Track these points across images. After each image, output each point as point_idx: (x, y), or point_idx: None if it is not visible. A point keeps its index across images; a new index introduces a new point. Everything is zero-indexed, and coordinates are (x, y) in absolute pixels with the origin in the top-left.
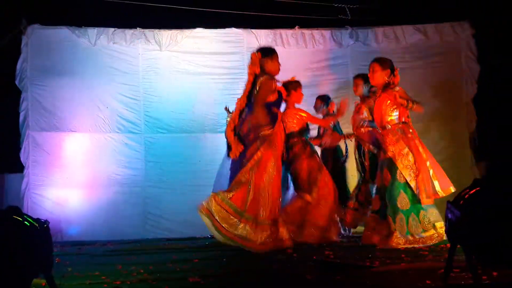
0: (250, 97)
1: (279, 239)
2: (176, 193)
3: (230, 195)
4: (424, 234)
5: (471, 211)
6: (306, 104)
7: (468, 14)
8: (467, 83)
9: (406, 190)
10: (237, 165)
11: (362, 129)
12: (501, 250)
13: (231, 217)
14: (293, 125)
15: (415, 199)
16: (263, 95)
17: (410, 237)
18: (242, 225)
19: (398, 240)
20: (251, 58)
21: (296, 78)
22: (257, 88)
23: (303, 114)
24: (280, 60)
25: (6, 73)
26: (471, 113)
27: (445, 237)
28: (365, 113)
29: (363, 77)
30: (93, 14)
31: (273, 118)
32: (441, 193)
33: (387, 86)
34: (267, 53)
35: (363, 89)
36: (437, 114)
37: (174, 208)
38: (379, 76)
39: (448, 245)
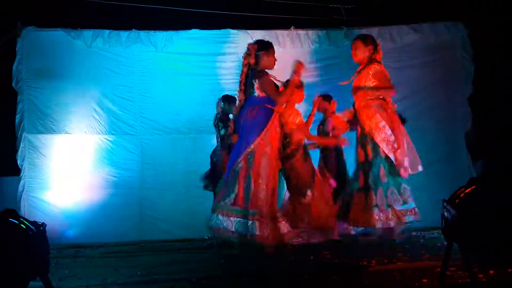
0: (246, 90)
1: (280, 233)
2: (172, 194)
3: (231, 200)
4: (404, 207)
5: (467, 209)
6: (304, 104)
7: (463, 14)
8: (462, 82)
9: (384, 164)
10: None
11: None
12: (497, 248)
13: (240, 219)
14: (292, 125)
15: (394, 172)
16: (271, 93)
17: (390, 211)
18: (250, 222)
19: (378, 216)
20: (248, 48)
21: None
22: (260, 89)
23: (298, 119)
24: (276, 60)
25: (3, 75)
26: (467, 112)
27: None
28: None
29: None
30: (88, 16)
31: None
32: (410, 171)
33: (370, 62)
34: (264, 46)
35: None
36: (432, 113)
37: (170, 209)
38: (361, 52)
39: (445, 243)
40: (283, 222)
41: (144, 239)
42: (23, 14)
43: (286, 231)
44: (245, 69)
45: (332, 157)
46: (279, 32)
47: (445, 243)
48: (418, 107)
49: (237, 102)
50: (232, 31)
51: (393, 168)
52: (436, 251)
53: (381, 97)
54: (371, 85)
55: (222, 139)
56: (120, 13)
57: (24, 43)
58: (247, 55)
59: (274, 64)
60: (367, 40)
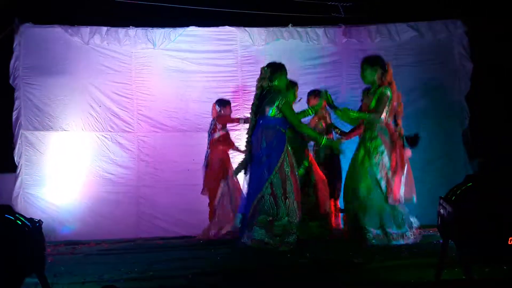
0: (257, 112)
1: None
2: (169, 192)
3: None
4: (398, 231)
5: (463, 207)
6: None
7: (461, 11)
8: (460, 80)
9: (376, 187)
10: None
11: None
12: (493, 245)
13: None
14: None
15: (383, 197)
16: (291, 117)
17: (381, 232)
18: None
19: (370, 236)
20: (261, 72)
21: (289, 76)
22: (280, 110)
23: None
24: (275, 57)
25: (0, 73)
26: (464, 110)
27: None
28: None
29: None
30: (86, 13)
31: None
32: (403, 200)
33: (379, 85)
34: (276, 69)
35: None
36: (430, 111)
37: (167, 207)
38: (369, 75)
39: (441, 241)
40: None
41: (141, 236)
42: (21, 11)
43: None
44: (258, 92)
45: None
46: (277, 30)
47: (441, 240)
48: (416, 105)
49: (249, 122)
50: (230, 28)
51: (381, 193)
52: (432, 248)
53: (383, 121)
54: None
55: (212, 144)
56: (118, 10)
57: (21, 39)
58: (261, 78)
59: (287, 85)
60: (374, 61)
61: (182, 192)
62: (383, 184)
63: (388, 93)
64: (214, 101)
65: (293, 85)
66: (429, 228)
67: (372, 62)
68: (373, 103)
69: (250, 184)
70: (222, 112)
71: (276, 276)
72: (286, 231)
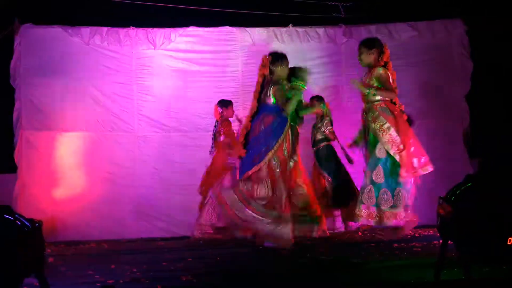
0: (259, 99)
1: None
2: (169, 192)
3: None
4: (392, 210)
5: (463, 206)
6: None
7: (461, 11)
8: (460, 80)
9: (383, 164)
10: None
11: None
12: (492, 245)
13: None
14: None
15: (393, 174)
16: (281, 101)
17: (376, 210)
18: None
19: (360, 212)
20: (262, 60)
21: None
22: (273, 96)
23: None
24: None
25: (0, 73)
26: (464, 110)
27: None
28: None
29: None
30: (86, 13)
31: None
32: (420, 171)
33: (375, 65)
34: (277, 58)
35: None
36: (430, 111)
37: (168, 207)
38: (366, 57)
39: (440, 241)
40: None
41: (141, 236)
42: (21, 11)
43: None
44: (260, 80)
45: (324, 154)
46: (277, 30)
47: (441, 240)
48: (416, 105)
49: (250, 109)
50: (230, 28)
51: (394, 169)
52: (432, 248)
53: (382, 100)
54: (373, 88)
55: (218, 146)
56: (118, 10)
57: (21, 40)
58: (262, 66)
59: (288, 74)
60: (371, 43)
61: (182, 192)
62: (397, 158)
63: (382, 71)
64: (215, 102)
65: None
66: (429, 228)
67: (369, 44)
68: (375, 84)
69: (241, 166)
70: (224, 113)
71: (276, 276)
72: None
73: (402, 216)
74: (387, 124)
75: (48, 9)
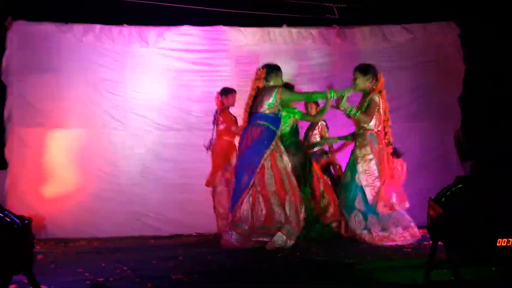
0: (250, 112)
1: None
2: (162, 191)
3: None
4: (383, 233)
5: (453, 208)
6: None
7: (455, 14)
8: (453, 82)
9: (363, 193)
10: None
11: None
12: (482, 247)
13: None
14: None
15: (369, 204)
16: (294, 96)
17: (367, 234)
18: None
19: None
20: (256, 73)
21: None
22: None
23: None
24: (269, 57)
25: None
26: (457, 113)
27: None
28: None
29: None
30: (79, 11)
31: None
32: (397, 206)
33: (369, 92)
34: (272, 70)
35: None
36: (423, 114)
37: (159, 206)
38: (361, 82)
39: (431, 242)
40: None
41: (133, 235)
42: (14, 8)
43: None
44: (253, 93)
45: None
46: (271, 30)
47: (431, 241)
48: (409, 107)
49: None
50: (223, 28)
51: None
52: (422, 249)
53: (374, 127)
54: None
55: (218, 134)
56: (112, 8)
57: (14, 36)
58: (256, 79)
59: (282, 83)
60: (366, 70)
61: (174, 191)
62: (368, 191)
63: (377, 99)
64: (208, 101)
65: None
66: (420, 229)
67: (364, 70)
68: (362, 109)
69: (236, 180)
70: (224, 101)
71: (268, 276)
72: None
73: (397, 236)
74: (371, 156)
75: (41, 6)
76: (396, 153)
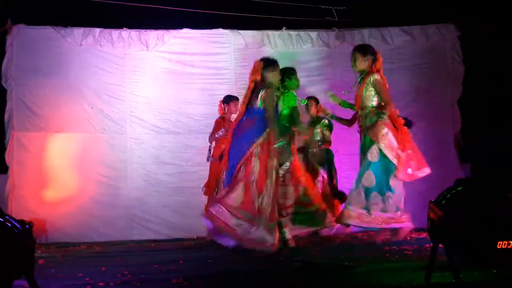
0: (248, 104)
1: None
2: (161, 194)
3: (240, 203)
4: (382, 214)
5: (453, 210)
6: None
7: (454, 15)
8: (452, 84)
9: (375, 169)
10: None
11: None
12: (482, 249)
13: (243, 222)
14: None
15: (384, 179)
16: (269, 108)
17: (366, 213)
18: (254, 228)
19: (350, 213)
20: (254, 66)
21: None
22: (263, 101)
23: None
24: None
25: None
26: (456, 114)
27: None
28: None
29: (315, 99)
30: (79, 14)
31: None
32: (417, 173)
33: (369, 72)
34: (269, 64)
35: (315, 109)
36: (422, 116)
37: (160, 210)
38: (361, 63)
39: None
40: (287, 228)
41: (133, 239)
42: (13, 11)
43: (290, 237)
44: (252, 85)
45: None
46: (270, 33)
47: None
48: (409, 108)
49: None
50: (223, 31)
51: (386, 174)
52: (423, 251)
53: (381, 109)
54: (371, 94)
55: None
56: (111, 11)
57: (14, 40)
58: (254, 71)
59: (279, 81)
60: (366, 50)
61: (174, 194)
62: (395, 162)
63: (379, 77)
64: (208, 104)
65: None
66: (421, 231)
67: (364, 51)
68: (365, 91)
69: (227, 171)
70: (226, 109)
71: (268, 279)
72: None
73: (393, 220)
74: (385, 129)
75: (41, 10)
76: (407, 123)
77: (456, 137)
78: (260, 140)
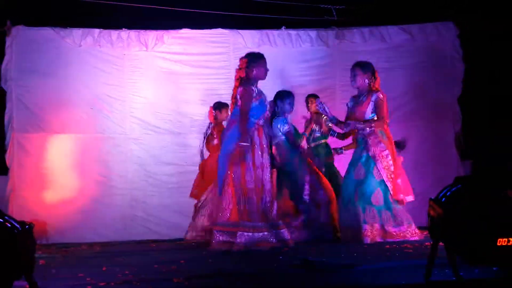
0: (235, 103)
1: (280, 239)
2: (162, 195)
3: (227, 217)
4: (396, 228)
5: (453, 208)
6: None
7: (453, 13)
8: (452, 83)
9: (381, 187)
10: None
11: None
12: (482, 246)
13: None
14: None
15: (387, 198)
16: (243, 105)
17: (380, 228)
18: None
19: (366, 233)
20: (239, 63)
21: (282, 78)
22: (240, 97)
23: None
24: (268, 59)
25: None
26: (456, 113)
27: (416, 235)
28: (316, 128)
29: (316, 97)
30: (78, 15)
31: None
32: (405, 200)
33: (370, 90)
34: (252, 59)
35: (316, 106)
36: (422, 114)
37: (160, 210)
38: (360, 79)
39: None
40: (285, 228)
41: (134, 239)
42: (12, 13)
43: (288, 237)
44: (237, 83)
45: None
46: (270, 32)
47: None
48: (408, 107)
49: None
50: (223, 30)
51: (386, 194)
52: (423, 249)
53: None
54: (371, 113)
55: (211, 149)
56: (111, 12)
57: (13, 41)
58: (239, 69)
59: (265, 75)
60: (366, 67)
61: (174, 194)
62: (389, 185)
63: (382, 96)
64: (208, 104)
65: (287, 95)
66: (421, 230)
67: (364, 67)
68: (368, 111)
69: (218, 173)
70: (218, 116)
71: (267, 278)
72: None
73: (408, 232)
74: (387, 151)
75: (40, 11)
76: (399, 146)
77: (456, 135)
78: (244, 142)
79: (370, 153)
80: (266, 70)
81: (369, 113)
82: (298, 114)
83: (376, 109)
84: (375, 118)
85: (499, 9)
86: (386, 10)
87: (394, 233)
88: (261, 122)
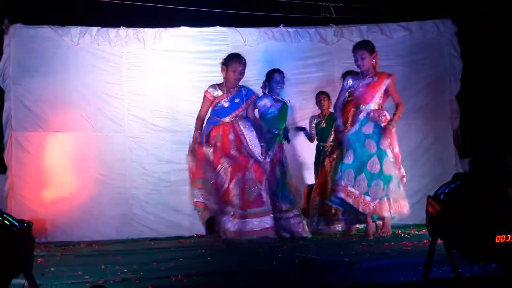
0: None
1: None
2: (160, 193)
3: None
4: (400, 202)
5: (451, 205)
6: (294, 102)
7: (451, 11)
8: (450, 80)
9: (385, 158)
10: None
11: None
12: (481, 243)
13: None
14: None
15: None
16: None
17: (386, 200)
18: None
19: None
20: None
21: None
22: None
23: None
24: (266, 57)
25: None
26: (455, 110)
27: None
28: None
29: (327, 94)
30: (76, 13)
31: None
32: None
33: (375, 71)
34: (227, 59)
35: (328, 104)
36: (420, 112)
37: (159, 208)
38: (368, 61)
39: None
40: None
41: (132, 237)
42: (10, 11)
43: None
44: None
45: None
46: (269, 30)
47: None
48: (407, 105)
49: None
50: (221, 28)
51: (391, 165)
52: (422, 247)
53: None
54: (382, 98)
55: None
56: (108, 10)
57: (11, 40)
58: (222, 70)
59: (235, 79)
60: (372, 47)
61: (173, 193)
62: (402, 171)
63: (393, 79)
64: None
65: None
66: (420, 227)
67: (371, 48)
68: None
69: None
70: None
71: (267, 276)
72: None
73: (391, 207)
74: (395, 142)
75: (38, 9)
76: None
77: (455, 133)
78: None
79: (382, 146)
80: (236, 74)
81: (379, 95)
82: (298, 112)
83: (395, 95)
84: (398, 106)
85: (497, 7)
86: (385, 8)
87: (394, 207)
88: (228, 119)
